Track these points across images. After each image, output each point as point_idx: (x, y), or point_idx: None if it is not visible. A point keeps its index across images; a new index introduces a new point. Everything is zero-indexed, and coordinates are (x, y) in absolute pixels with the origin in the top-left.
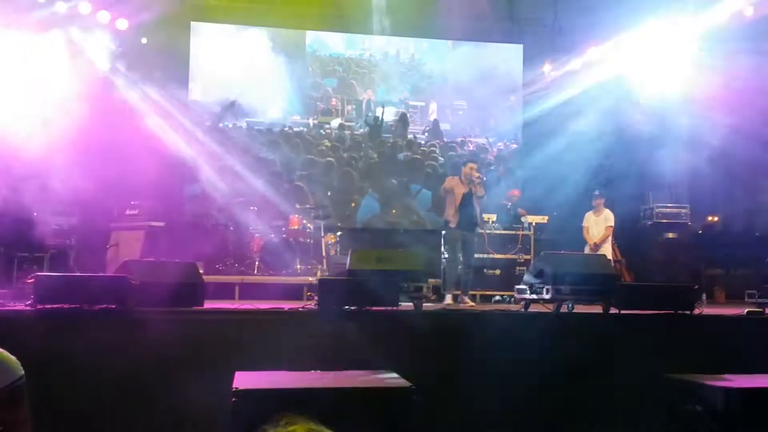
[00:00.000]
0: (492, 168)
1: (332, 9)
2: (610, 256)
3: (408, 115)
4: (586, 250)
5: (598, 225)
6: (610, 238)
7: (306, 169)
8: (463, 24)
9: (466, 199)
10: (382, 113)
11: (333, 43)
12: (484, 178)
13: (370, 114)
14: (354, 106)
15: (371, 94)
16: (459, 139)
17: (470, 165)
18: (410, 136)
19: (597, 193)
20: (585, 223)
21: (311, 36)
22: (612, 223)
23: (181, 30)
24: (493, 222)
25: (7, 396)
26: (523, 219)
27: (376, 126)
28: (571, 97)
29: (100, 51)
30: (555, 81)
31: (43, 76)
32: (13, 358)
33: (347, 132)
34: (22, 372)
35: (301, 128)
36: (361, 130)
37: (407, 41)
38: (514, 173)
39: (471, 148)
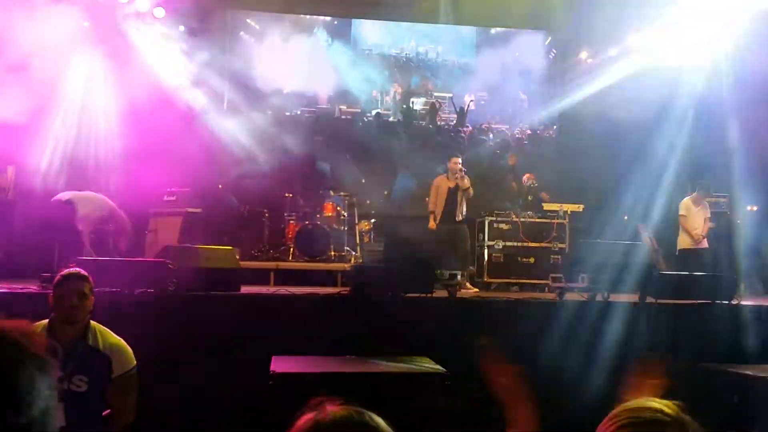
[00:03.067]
0: (508, 153)
1: None
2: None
3: (437, 104)
4: (686, 240)
5: (699, 216)
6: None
7: (347, 155)
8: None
9: (451, 195)
10: (414, 103)
11: (374, 40)
12: (464, 171)
13: (404, 104)
14: (391, 97)
15: (405, 87)
16: (483, 125)
17: (454, 159)
18: (440, 123)
19: (703, 182)
20: (684, 212)
21: (356, 31)
22: (709, 215)
23: (219, 18)
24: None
25: (122, 383)
26: (545, 206)
27: (409, 114)
28: (609, 84)
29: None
30: (592, 68)
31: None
32: (129, 348)
33: (385, 120)
34: (135, 362)
35: (347, 116)
36: (395, 119)
37: (436, 41)
38: (535, 159)
39: (492, 136)
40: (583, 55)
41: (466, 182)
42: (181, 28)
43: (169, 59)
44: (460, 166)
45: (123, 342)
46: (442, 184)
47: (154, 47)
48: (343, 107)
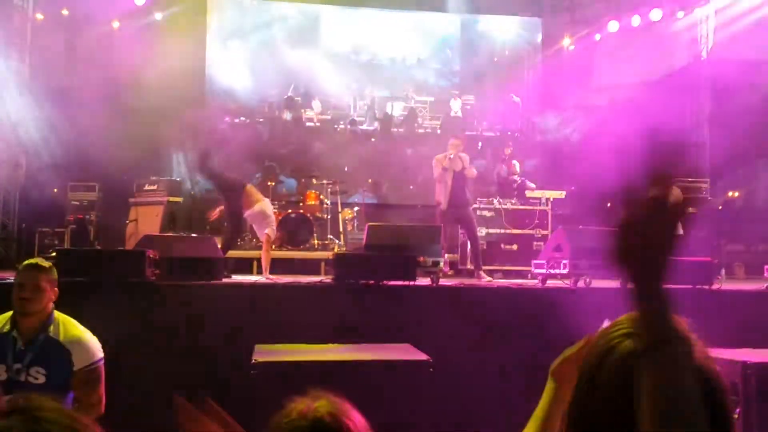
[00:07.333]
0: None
1: None
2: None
3: (416, 110)
4: None
5: None
6: None
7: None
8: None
9: (455, 177)
10: (392, 109)
11: (347, 44)
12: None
13: (380, 110)
14: (365, 103)
15: (381, 92)
16: (467, 132)
17: (452, 141)
18: (420, 131)
19: None
20: None
21: (327, 35)
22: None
23: (197, 7)
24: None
25: (86, 376)
26: (528, 193)
27: (386, 121)
28: (590, 69)
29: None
30: (574, 54)
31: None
32: (95, 339)
33: (360, 127)
34: (102, 354)
35: (317, 124)
36: (371, 127)
37: (414, 45)
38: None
39: (480, 142)
40: (566, 42)
41: (460, 164)
42: (158, 16)
43: None
44: (455, 150)
45: (88, 334)
46: (445, 163)
47: None
48: (315, 113)
